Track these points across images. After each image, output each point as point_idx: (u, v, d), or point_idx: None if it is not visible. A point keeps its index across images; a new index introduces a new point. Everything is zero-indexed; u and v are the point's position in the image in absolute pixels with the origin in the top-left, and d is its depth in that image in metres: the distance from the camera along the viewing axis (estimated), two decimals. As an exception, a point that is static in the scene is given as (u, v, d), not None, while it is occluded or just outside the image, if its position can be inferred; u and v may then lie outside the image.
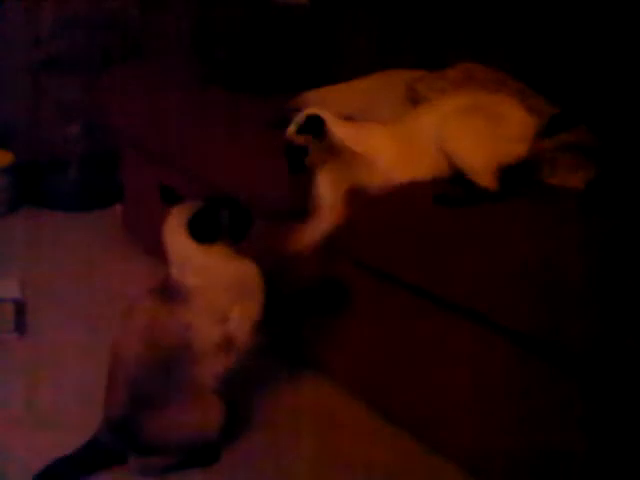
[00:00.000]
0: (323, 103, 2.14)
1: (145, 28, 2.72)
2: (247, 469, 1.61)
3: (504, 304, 1.43)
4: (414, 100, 2.04)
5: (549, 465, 1.47)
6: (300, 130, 1.72)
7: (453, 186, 1.64)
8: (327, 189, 1.66)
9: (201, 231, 1.47)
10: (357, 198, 1.66)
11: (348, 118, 2.02)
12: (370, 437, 1.74)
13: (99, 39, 2.81)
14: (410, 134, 1.73)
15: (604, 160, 1.79)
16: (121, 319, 1.53)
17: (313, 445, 1.69)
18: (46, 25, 2.76)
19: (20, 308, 2.10)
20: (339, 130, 1.72)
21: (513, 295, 1.41)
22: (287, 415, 1.78)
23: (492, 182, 1.59)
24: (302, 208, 1.72)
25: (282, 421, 1.76)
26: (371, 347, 1.78)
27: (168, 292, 1.50)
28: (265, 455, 1.65)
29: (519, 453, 1.51)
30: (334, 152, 1.70)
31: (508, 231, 1.48)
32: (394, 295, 1.70)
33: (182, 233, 1.47)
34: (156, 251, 1.56)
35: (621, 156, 1.82)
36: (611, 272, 1.32)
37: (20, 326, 2.04)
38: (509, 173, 1.61)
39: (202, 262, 1.49)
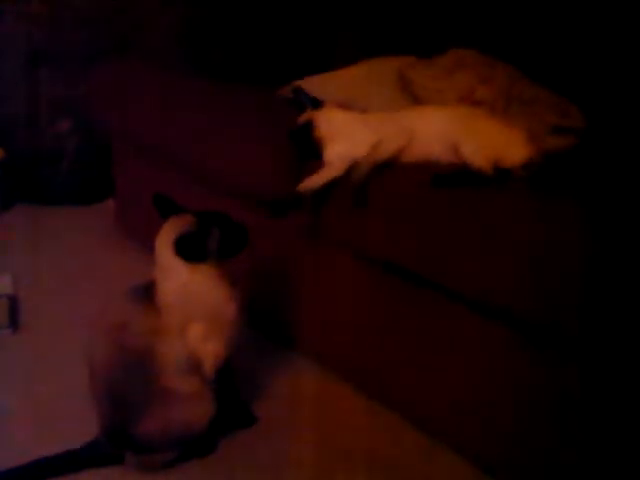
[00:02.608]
0: (315, 91, 2.14)
1: (134, 22, 2.70)
2: (246, 461, 1.60)
3: (504, 290, 1.42)
4: (405, 87, 2.03)
5: (552, 454, 1.46)
6: (298, 107, 1.79)
7: (449, 168, 1.63)
8: (333, 153, 1.72)
9: (189, 252, 1.47)
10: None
11: (341, 105, 2.03)
12: (370, 427, 1.73)
13: (90, 34, 2.79)
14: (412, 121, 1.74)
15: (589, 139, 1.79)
16: (94, 320, 1.54)
17: (312, 436, 1.68)
18: (38, 20, 2.74)
19: (13, 304, 2.10)
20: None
21: (513, 281, 1.41)
22: (285, 406, 1.78)
23: (487, 165, 1.58)
24: (296, 197, 1.72)
25: (280, 412, 1.76)
26: (371, 337, 1.77)
27: (146, 292, 1.50)
28: (264, 447, 1.64)
29: (521, 441, 1.50)
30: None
31: (507, 215, 1.46)
32: (393, 282, 1.69)
33: (171, 249, 1.47)
34: (149, 245, 1.56)
35: (610, 138, 1.82)
36: (611, 257, 1.31)
37: (13, 322, 2.03)
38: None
39: (185, 280, 1.49)
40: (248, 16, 2.57)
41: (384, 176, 1.66)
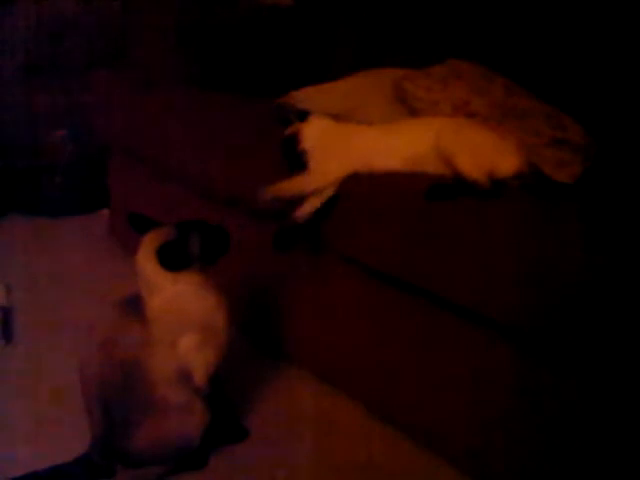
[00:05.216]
0: (311, 102, 2.14)
1: (129, 31, 2.71)
2: (240, 475, 1.59)
3: (497, 300, 1.41)
4: (401, 98, 2.03)
5: (548, 465, 1.45)
6: (283, 122, 1.79)
7: (442, 180, 1.62)
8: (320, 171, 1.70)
9: (171, 260, 1.47)
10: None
11: (335, 117, 2.02)
12: (367, 438, 1.72)
13: (83, 43, 2.79)
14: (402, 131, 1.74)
15: (593, 156, 1.78)
16: (84, 335, 1.53)
17: (309, 447, 1.67)
18: (30, 30, 2.74)
19: (7, 315, 2.08)
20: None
21: (507, 291, 1.39)
22: (281, 419, 1.77)
23: (483, 178, 1.57)
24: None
25: (278, 423, 1.75)
26: (369, 349, 1.76)
27: (136, 304, 1.49)
28: (261, 458, 1.63)
29: (521, 456, 1.49)
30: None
31: (507, 228, 1.45)
32: (392, 294, 1.67)
33: (153, 261, 1.47)
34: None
35: (610, 152, 1.81)
36: (607, 267, 1.30)
37: (6, 333, 2.02)
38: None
39: (172, 291, 1.48)
40: (245, 28, 2.57)
41: (384, 188, 1.65)
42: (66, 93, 2.77)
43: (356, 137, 1.75)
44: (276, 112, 1.85)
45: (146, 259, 1.48)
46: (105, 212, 2.75)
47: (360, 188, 1.67)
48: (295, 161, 1.74)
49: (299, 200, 1.70)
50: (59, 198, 2.88)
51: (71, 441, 1.53)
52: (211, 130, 2.08)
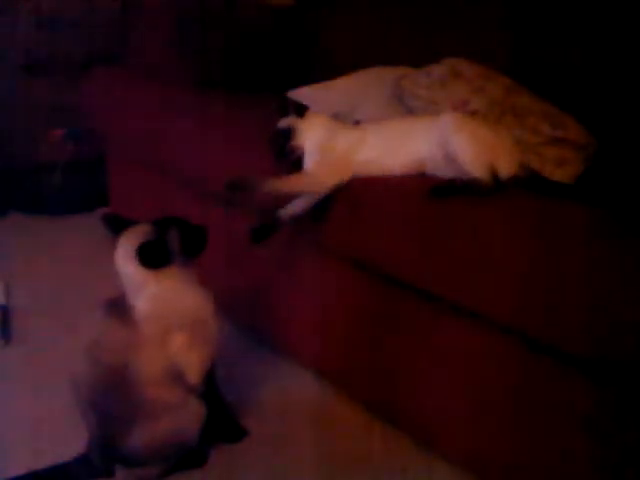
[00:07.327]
0: (310, 101, 2.14)
1: (129, 30, 2.71)
2: (243, 472, 1.59)
3: (499, 301, 1.41)
4: (400, 97, 2.02)
5: (548, 465, 1.44)
6: (280, 113, 1.77)
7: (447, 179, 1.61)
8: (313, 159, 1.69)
9: (152, 258, 1.46)
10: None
11: (335, 116, 2.02)
12: (367, 438, 1.72)
13: (82, 41, 2.80)
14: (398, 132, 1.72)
15: (593, 155, 1.78)
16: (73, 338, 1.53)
17: (309, 446, 1.67)
18: (28, 28, 2.75)
19: (5, 314, 2.08)
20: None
21: (509, 292, 1.39)
22: (283, 416, 1.77)
23: (486, 175, 1.56)
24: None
25: (277, 422, 1.75)
26: (369, 348, 1.76)
27: (119, 306, 1.49)
28: (261, 457, 1.63)
29: (517, 451, 1.49)
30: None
31: (506, 229, 1.44)
32: (393, 294, 1.67)
33: (132, 261, 1.46)
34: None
35: (611, 151, 1.81)
36: (610, 268, 1.30)
37: (5, 333, 2.02)
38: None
39: (155, 289, 1.48)
40: (246, 27, 2.58)
41: (384, 189, 1.64)
42: (66, 92, 2.77)
43: (356, 142, 1.71)
44: (276, 102, 1.81)
45: (126, 260, 1.47)
46: (104, 211, 2.75)
47: (361, 189, 1.66)
48: (283, 153, 1.72)
49: (289, 198, 1.68)
50: (59, 197, 2.88)
51: (71, 441, 1.53)
52: (210, 129, 2.08)
